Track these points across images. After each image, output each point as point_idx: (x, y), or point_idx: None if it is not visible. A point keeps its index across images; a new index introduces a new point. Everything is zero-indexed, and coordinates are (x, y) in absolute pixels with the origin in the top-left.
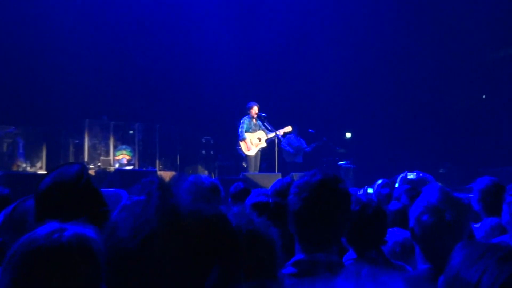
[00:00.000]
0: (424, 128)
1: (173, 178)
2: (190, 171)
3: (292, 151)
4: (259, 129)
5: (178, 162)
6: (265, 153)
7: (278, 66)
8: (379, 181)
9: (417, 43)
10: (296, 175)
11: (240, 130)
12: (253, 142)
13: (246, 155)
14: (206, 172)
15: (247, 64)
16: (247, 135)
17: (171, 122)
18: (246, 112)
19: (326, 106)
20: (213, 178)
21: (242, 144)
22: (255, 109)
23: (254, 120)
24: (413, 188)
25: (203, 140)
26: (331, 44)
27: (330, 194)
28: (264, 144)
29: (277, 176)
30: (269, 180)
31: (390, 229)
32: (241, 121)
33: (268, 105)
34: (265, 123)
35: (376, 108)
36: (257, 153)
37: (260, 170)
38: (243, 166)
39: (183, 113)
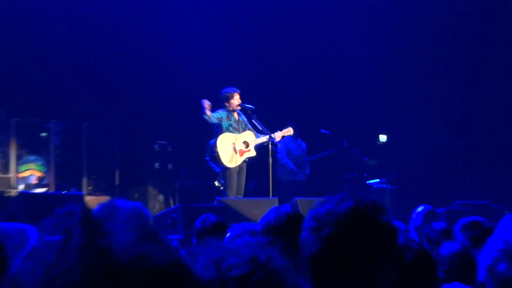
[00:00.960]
0: (487, 132)
1: (105, 207)
2: (136, 195)
3: (290, 165)
4: (244, 129)
5: (118, 181)
6: (254, 167)
7: (266, 41)
8: (420, 208)
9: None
10: (305, 202)
11: (214, 129)
12: (236, 147)
13: (224, 169)
14: (160, 197)
15: (226, 39)
16: (225, 137)
17: (106, 120)
18: (222, 103)
19: (347, 95)
20: (173, 206)
21: (217, 151)
22: (236, 98)
23: (235, 114)
24: (476, 224)
25: (156, 147)
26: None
27: (367, 231)
28: (252, 153)
29: (271, 202)
30: (259, 209)
31: (446, 286)
32: (215, 115)
33: (256, 93)
34: (253, 120)
35: (424, 101)
36: (241, 167)
37: (246, 194)
38: (218, 186)
39: (126, 106)
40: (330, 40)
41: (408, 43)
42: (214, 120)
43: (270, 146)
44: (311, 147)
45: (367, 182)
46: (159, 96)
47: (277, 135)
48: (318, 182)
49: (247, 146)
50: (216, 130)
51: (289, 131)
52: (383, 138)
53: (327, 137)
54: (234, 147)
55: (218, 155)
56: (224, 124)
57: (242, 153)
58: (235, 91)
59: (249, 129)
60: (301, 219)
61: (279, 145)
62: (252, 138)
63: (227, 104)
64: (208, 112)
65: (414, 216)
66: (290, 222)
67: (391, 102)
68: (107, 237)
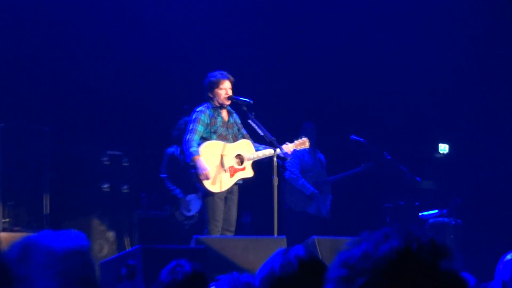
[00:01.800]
0: None
1: (18, 246)
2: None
3: (309, 188)
4: (236, 135)
5: (47, 210)
6: (251, 191)
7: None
8: (510, 256)
9: None
10: (327, 243)
11: (189, 134)
12: (225, 163)
13: (205, 194)
14: (111, 235)
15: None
16: (210, 146)
17: (32, 119)
18: (205, 94)
19: (391, 89)
20: (129, 248)
21: (197, 165)
22: (224, 88)
23: (224, 113)
24: None
25: (106, 160)
26: None
27: (421, 284)
28: (248, 173)
29: (277, 243)
30: (257, 253)
31: None
32: (194, 115)
33: (256, 84)
34: (250, 121)
35: (501, 100)
36: (231, 190)
37: (239, 230)
38: (194, 218)
39: (61, 101)
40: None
41: (478, 35)
42: (198, 130)
43: (275, 159)
44: (334, 162)
45: (420, 214)
46: (110, 88)
47: (287, 148)
48: (346, 213)
49: (241, 162)
50: (192, 133)
51: (303, 143)
52: (443, 148)
53: (360, 147)
54: (222, 162)
55: (196, 172)
56: (206, 128)
57: (233, 172)
58: (224, 77)
59: (243, 135)
60: (321, 268)
61: (289, 158)
62: (249, 151)
63: (211, 96)
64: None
65: (501, 266)
66: (304, 272)
67: (455, 99)
68: (17, 286)
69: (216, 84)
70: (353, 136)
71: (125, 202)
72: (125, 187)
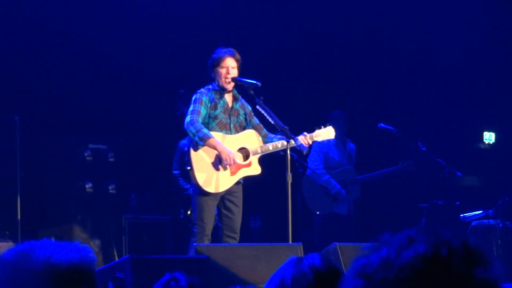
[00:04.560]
0: None
1: None
2: (53, 239)
3: (335, 186)
4: (241, 124)
5: (19, 215)
6: (259, 190)
7: None
8: None
9: None
10: (351, 250)
11: (190, 115)
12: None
13: (197, 193)
14: (95, 244)
15: None
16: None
17: (3, 111)
18: (209, 75)
19: (425, 72)
20: (117, 258)
21: (191, 162)
22: (226, 66)
23: (228, 97)
24: None
25: (88, 155)
26: None
27: None
28: (255, 170)
29: (290, 251)
30: (268, 264)
31: None
32: (194, 96)
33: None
34: (258, 106)
35: None
36: (232, 190)
37: (245, 237)
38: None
39: (33, 87)
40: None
41: None
42: (197, 116)
43: (288, 153)
44: (360, 155)
45: (461, 215)
46: (92, 71)
47: (304, 140)
48: (374, 215)
49: (247, 157)
50: (192, 119)
51: (327, 133)
52: (489, 137)
53: (390, 136)
54: (221, 158)
55: (192, 169)
56: (208, 110)
57: (235, 169)
58: (226, 54)
59: (253, 123)
60: (340, 279)
61: (306, 151)
62: (256, 144)
63: (213, 75)
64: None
65: None
66: (320, 285)
67: (502, 80)
68: None
69: (217, 62)
70: (381, 124)
71: (111, 204)
72: (111, 187)
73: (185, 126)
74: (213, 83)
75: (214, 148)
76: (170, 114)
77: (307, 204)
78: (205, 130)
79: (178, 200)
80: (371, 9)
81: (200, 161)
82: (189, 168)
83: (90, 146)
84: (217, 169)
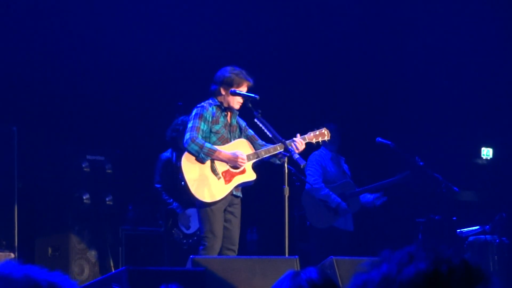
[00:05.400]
0: None
1: None
2: (50, 250)
3: (334, 199)
4: (240, 136)
5: (16, 226)
6: (257, 203)
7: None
8: None
9: None
10: (347, 264)
11: (189, 132)
12: (218, 167)
13: (199, 205)
14: (92, 255)
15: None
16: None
17: (2, 121)
18: (214, 89)
19: (424, 86)
20: (113, 270)
21: (183, 175)
22: (244, 91)
23: (228, 115)
24: None
25: (86, 166)
26: None
27: None
28: (250, 176)
29: (287, 265)
30: (265, 277)
31: None
32: (194, 111)
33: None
34: (257, 120)
35: None
36: (232, 202)
37: (244, 249)
38: (193, 236)
39: (32, 97)
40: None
41: None
42: (199, 128)
43: (286, 166)
44: (356, 170)
45: (458, 230)
46: (90, 82)
47: (299, 143)
48: (370, 229)
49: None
50: (193, 131)
51: (322, 135)
52: (486, 152)
53: (387, 151)
54: (213, 168)
55: (185, 182)
56: (205, 127)
57: (230, 177)
58: (247, 79)
59: (247, 135)
60: None
61: (303, 164)
62: (248, 151)
63: (223, 93)
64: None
65: None
66: None
67: (500, 95)
68: None
69: (236, 84)
70: (379, 139)
71: (108, 216)
72: (109, 198)
73: (185, 144)
74: (214, 99)
75: (222, 160)
76: (168, 126)
77: (307, 219)
78: (208, 145)
79: (166, 213)
80: (370, 21)
81: (192, 174)
82: (183, 183)
83: (88, 157)
84: (209, 180)
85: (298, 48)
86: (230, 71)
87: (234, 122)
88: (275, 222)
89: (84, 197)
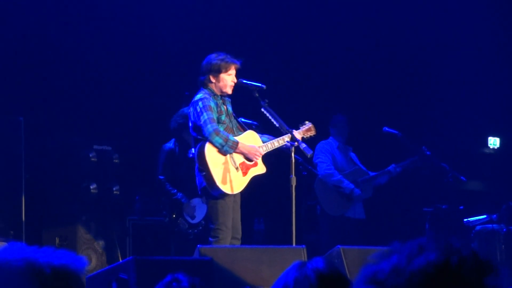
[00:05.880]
0: None
1: None
2: (57, 240)
3: (347, 185)
4: (235, 124)
5: (24, 216)
6: (262, 192)
7: None
8: None
9: None
10: (355, 254)
11: (209, 124)
12: (235, 159)
13: (216, 197)
14: (99, 245)
15: None
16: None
17: (4, 109)
18: (202, 79)
19: (431, 74)
20: (120, 259)
21: (207, 165)
22: (232, 74)
23: (222, 102)
24: None
25: (93, 156)
26: None
27: None
28: (261, 169)
29: (294, 254)
30: (272, 267)
31: None
32: (200, 103)
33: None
34: (264, 109)
35: None
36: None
37: (251, 238)
38: (199, 226)
39: (38, 86)
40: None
41: None
42: (211, 116)
43: (292, 155)
44: (364, 160)
45: (465, 220)
46: (97, 72)
47: (300, 133)
48: (378, 219)
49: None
50: (208, 118)
51: (309, 130)
52: (493, 142)
53: (394, 140)
54: (233, 159)
55: (209, 172)
56: (216, 117)
57: (246, 169)
58: (234, 61)
59: (248, 128)
60: (344, 284)
61: (310, 153)
62: (258, 143)
63: (213, 81)
64: None
65: None
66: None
67: (508, 84)
68: None
69: (224, 68)
70: (386, 128)
71: (115, 206)
72: (116, 188)
73: (208, 136)
74: (205, 89)
75: (243, 152)
76: (172, 117)
77: (319, 205)
78: (231, 138)
79: (170, 204)
80: (377, 12)
81: (216, 164)
82: (204, 173)
83: (95, 147)
84: (229, 172)
85: (305, 38)
86: (215, 58)
87: (231, 110)
88: (282, 212)
89: (91, 187)
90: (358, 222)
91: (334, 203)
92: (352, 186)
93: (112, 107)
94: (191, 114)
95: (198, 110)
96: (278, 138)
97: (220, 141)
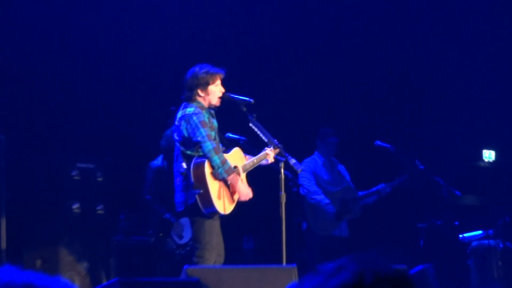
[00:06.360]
0: None
1: None
2: (39, 262)
3: (327, 207)
4: (222, 141)
5: (5, 238)
6: (252, 207)
7: None
8: None
9: None
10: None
11: (209, 144)
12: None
13: (202, 215)
14: (82, 267)
15: None
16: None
17: None
18: (188, 93)
19: (420, 86)
20: (105, 281)
21: (206, 183)
22: (219, 85)
23: (212, 115)
24: None
25: (76, 175)
26: None
27: None
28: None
29: (286, 273)
30: (259, 286)
31: None
32: (194, 118)
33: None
34: (252, 124)
35: None
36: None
37: (240, 258)
38: (186, 246)
39: (19, 103)
40: None
41: None
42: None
43: (282, 171)
44: (354, 176)
45: (460, 235)
46: (79, 86)
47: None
48: (370, 235)
49: (239, 175)
50: (204, 133)
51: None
52: (489, 155)
53: (387, 155)
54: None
55: (206, 190)
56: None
57: (234, 189)
58: (218, 71)
59: (236, 144)
60: None
61: (300, 169)
62: (243, 160)
63: (202, 94)
64: None
65: None
66: None
67: (503, 96)
68: None
69: (211, 80)
70: (378, 142)
71: (99, 226)
72: (100, 207)
73: (208, 153)
74: (193, 103)
75: (234, 185)
76: (160, 132)
77: (306, 223)
78: (228, 163)
79: (158, 223)
80: (369, 22)
81: (213, 182)
82: (200, 190)
83: (78, 165)
84: (226, 190)
85: (294, 50)
86: (200, 71)
87: (216, 124)
88: (272, 230)
89: (74, 207)
90: (343, 240)
91: (323, 222)
92: (330, 210)
93: (95, 124)
94: (183, 128)
95: (194, 125)
96: (260, 154)
97: (218, 161)
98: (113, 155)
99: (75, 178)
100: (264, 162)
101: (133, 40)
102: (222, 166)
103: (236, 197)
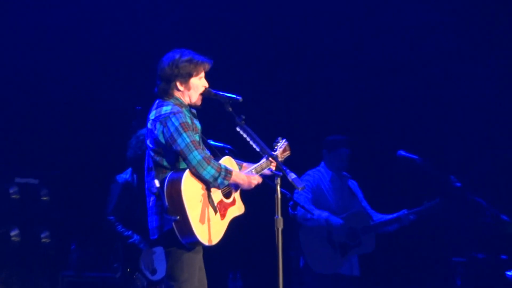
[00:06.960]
0: None
1: None
2: None
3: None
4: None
5: None
6: (241, 235)
7: None
8: None
9: None
10: None
11: (195, 151)
12: (213, 197)
13: (178, 246)
14: None
15: None
16: (190, 176)
17: None
18: (166, 89)
19: (456, 90)
20: None
21: (184, 206)
22: (202, 76)
23: (195, 116)
24: None
25: (14, 193)
26: None
27: None
28: (240, 209)
29: None
30: None
31: None
32: (174, 120)
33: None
34: (239, 128)
35: None
36: None
37: None
38: (157, 283)
39: None
40: None
41: None
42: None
43: (278, 190)
44: (369, 194)
45: (508, 273)
46: (19, 86)
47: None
48: (394, 272)
49: (229, 193)
50: (189, 140)
51: (285, 150)
52: None
53: (412, 168)
54: (210, 197)
55: (185, 215)
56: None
57: (224, 210)
58: (205, 60)
59: (220, 153)
60: None
61: (302, 186)
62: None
63: (181, 88)
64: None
65: None
66: None
67: None
68: None
69: (194, 71)
70: (401, 152)
71: (44, 258)
72: (45, 234)
73: (197, 167)
74: (171, 100)
75: (237, 182)
76: (122, 137)
77: (303, 258)
78: (223, 165)
79: (124, 252)
80: (387, 28)
81: (194, 205)
82: (176, 216)
83: (17, 180)
84: (210, 213)
85: (292, 37)
86: (182, 58)
87: (200, 126)
88: (265, 265)
89: (12, 234)
90: (353, 281)
91: (324, 258)
92: (326, 216)
93: (38, 130)
94: (159, 132)
95: (173, 128)
96: (256, 165)
97: (213, 172)
98: (61, 168)
99: (14, 197)
100: (266, 171)
101: (86, 28)
102: (220, 174)
103: (229, 212)
